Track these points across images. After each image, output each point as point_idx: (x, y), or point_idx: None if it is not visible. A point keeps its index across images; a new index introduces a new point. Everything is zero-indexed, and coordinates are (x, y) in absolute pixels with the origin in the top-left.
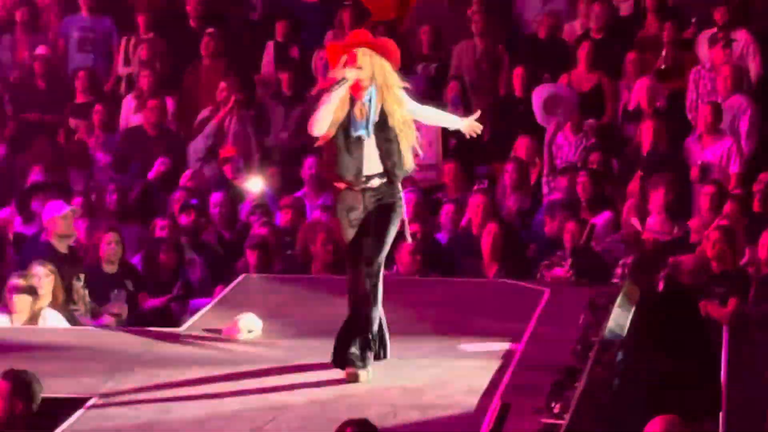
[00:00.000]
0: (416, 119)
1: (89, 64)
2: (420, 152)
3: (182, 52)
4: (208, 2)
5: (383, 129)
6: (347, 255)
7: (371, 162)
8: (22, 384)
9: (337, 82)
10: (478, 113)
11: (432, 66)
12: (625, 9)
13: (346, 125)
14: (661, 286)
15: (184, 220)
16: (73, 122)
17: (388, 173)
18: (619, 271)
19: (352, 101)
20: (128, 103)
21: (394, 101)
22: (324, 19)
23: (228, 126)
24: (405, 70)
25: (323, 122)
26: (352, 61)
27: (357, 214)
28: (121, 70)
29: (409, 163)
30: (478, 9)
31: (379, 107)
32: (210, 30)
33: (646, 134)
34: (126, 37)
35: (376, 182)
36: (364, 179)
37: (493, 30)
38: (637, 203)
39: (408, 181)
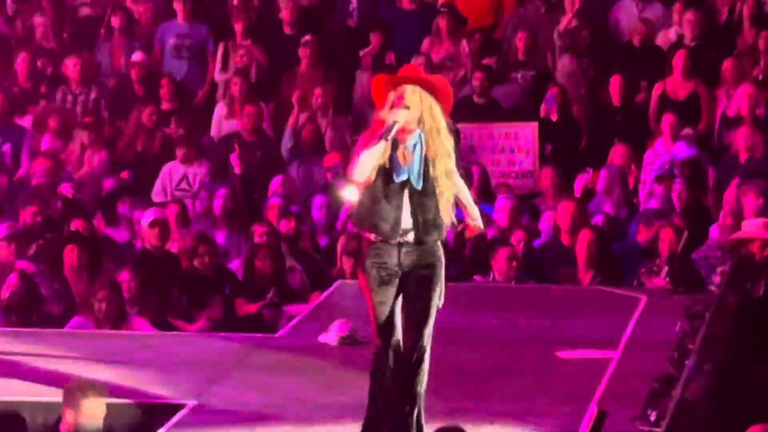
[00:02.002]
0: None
1: (184, 71)
2: (452, 219)
3: (278, 58)
4: (304, 9)
5: (423, 179)
6: (381, 318)
7: (408, 214)
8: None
9: (386, 127)
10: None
11: (528, 73)
12: (720, 17)
13: (386, 170)
14: (758, 293)
15: (284, 226)
16: (169, 130)
17: (417, 230)
18: (717, 278)
19: (395, 144)
20: (220, 109)
21: (439, 149)
22: (421, 26)
23: (324, 131)
24: (500, 77)
25: (366, 169)
26: (400, 101)
27: (391, 270)
28: (218, 76)
29: (446, 221)
30: (577, 21)
31: (424, 154)
32: (307, 37)
33: (743, 142)
34: (223, 44)
35: (412, 236)
36: (401, 232)
37: (591, 39)
38: (734, 210)
39: (504, 187)
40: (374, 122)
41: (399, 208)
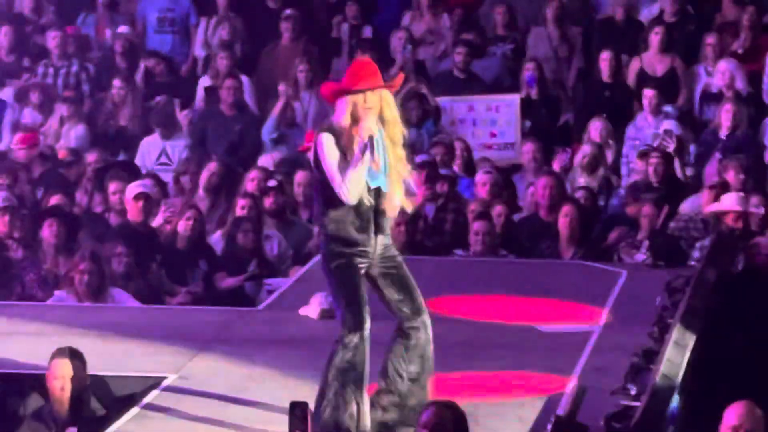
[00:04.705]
0: None
1: (167, 45)
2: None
3: (260, 32)
4: None
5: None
6: (361, 309)
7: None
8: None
9: (365, 145)
10: None
11: (507, 47)
12: None
13: None
14: (739, 268)
15: (268, 202)
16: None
17: (386, 221)
18: (696, 253)
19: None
20: (203, 83)
21: (395, 137)
22: (402, 1)
23: (307, 107)
24: (480, 51)
25: (359, 190)
26: (366, 109)
27: (368, 260)
28: (199, 50)
29: (398, 205)
30: None
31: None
32: (288, 11)
33: (724, 117)
34: (205, 18)
35: (383, 226)
36: (374, 232)
37: (569, 13)
38: (715, 185)
39: (485, 162)
40: (346, 135)
41: (371, 206)
